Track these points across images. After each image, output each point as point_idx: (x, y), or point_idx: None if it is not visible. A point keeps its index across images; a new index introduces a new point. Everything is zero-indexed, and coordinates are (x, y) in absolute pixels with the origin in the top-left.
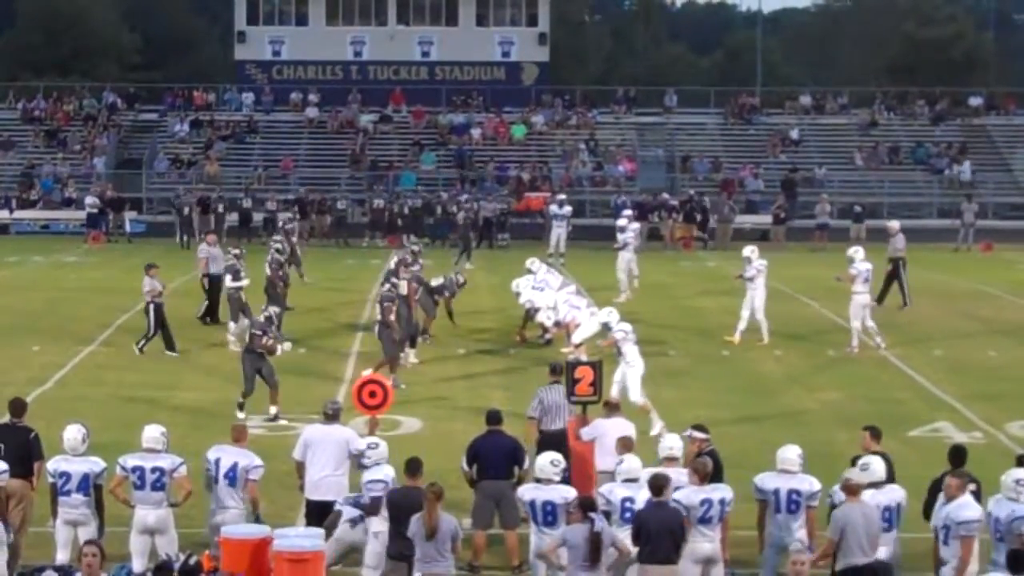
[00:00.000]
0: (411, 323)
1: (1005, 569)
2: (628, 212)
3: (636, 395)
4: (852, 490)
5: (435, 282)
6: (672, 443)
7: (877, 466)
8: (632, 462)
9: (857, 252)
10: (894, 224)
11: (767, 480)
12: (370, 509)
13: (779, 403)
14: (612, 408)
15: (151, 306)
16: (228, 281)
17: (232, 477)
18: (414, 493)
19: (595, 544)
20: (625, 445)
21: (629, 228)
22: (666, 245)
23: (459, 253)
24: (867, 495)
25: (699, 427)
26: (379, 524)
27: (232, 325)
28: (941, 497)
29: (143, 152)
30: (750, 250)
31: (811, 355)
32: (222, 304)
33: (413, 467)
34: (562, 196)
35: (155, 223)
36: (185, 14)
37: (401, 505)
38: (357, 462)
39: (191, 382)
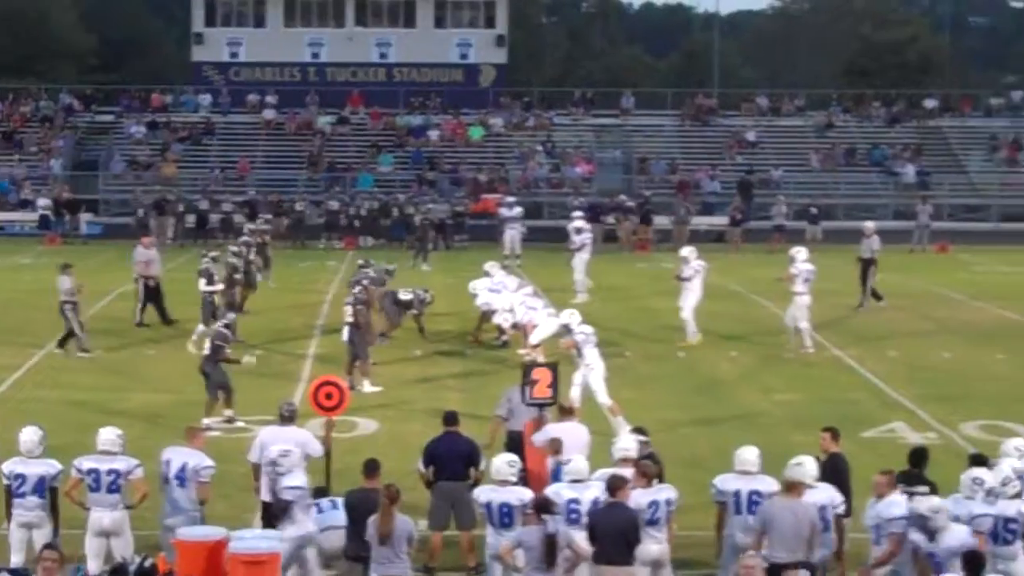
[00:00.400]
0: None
1: (960, 570)
2: (579, 214)
3: (603, 397)
4: (790, 487)
5: (403, 296)
6: (626, 444)
7: (810, 465)
8: (579, 463)
9: (799, 252)
10: (869, 224)
11: (727, 481)
12: (282, 513)
13: (735, 404)
14: (566, 413)
15: (66, 306)
16: (202, 285)
17: (182, 478)
18: (372, 495)
19: (550, 546)
20: (555, 448)
21: (586, 229)
22: (622, 247)
23: (414, 255)
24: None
25: (638, 430)
26: (292, 530)
27: (201, 328)
28: (872, 496)
29: (100, 154)
30: (688, 250)
31: (767, 356)
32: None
33: (370, 468)
34: (511, 198)
35: (111, 225)
36: (142, 16)
37: (358, 507)
38: (272, 471)
39: (147, 384)
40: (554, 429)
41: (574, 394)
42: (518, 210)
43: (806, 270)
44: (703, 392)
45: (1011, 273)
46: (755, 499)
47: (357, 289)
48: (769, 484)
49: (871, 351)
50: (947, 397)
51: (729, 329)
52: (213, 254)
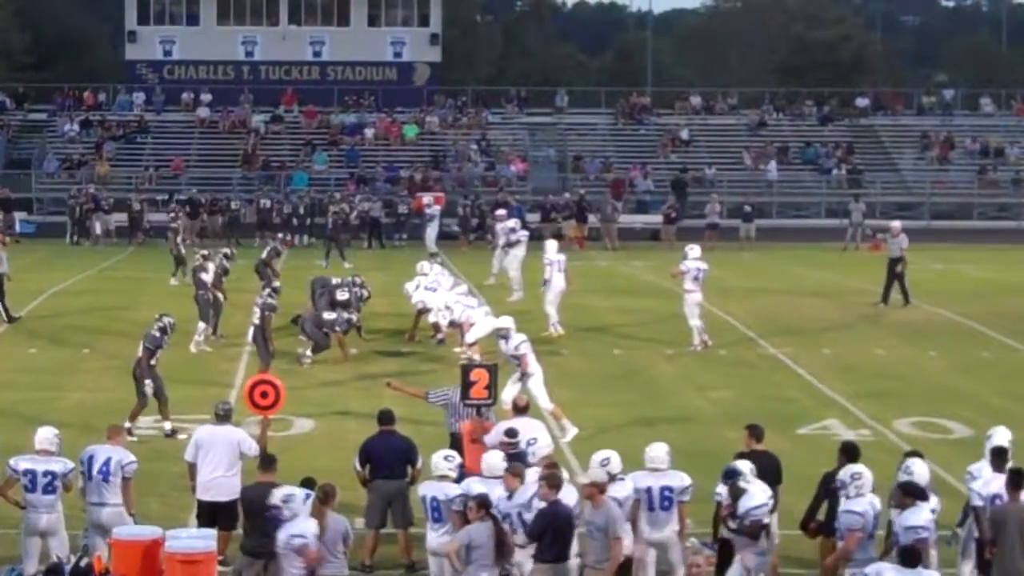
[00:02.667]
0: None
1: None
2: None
3: (544, 402)
4: (599, 489)
5: (340, 296)
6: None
7: (615, 460)
8: (493, 459)
9: (692, 249)
10: (896, 224)
11: (639, 479)
12: None
13: (671, 402)
14: (520, 410)
15: None
16: (210, 282)
17: (106, 472)
18: (266, 490)
19: (500, 540)
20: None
21: (519, 228)
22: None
23: (337, 253)
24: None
25: (509, 432)
26: None
27: (202, 326)
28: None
29: (32, 152)
30: (552, 246)
31: (702, 354)
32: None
33: (265, 463)
34: (429, 197)
35: (45, 223)
36: (76, 14)
37: (254, 501)
38: None
39: (82, 383)
40: (509, 423)
41: (510, 394)
42: (435, 208)
43: (695, 268)
44: (640, 389)
45: (943, 271)
46: (667, 494)
47: (267, 292)
48: (681, 479)
49: (805, 348)
50: (880, 394)
51: (664, 327)
52: (204, 252)
